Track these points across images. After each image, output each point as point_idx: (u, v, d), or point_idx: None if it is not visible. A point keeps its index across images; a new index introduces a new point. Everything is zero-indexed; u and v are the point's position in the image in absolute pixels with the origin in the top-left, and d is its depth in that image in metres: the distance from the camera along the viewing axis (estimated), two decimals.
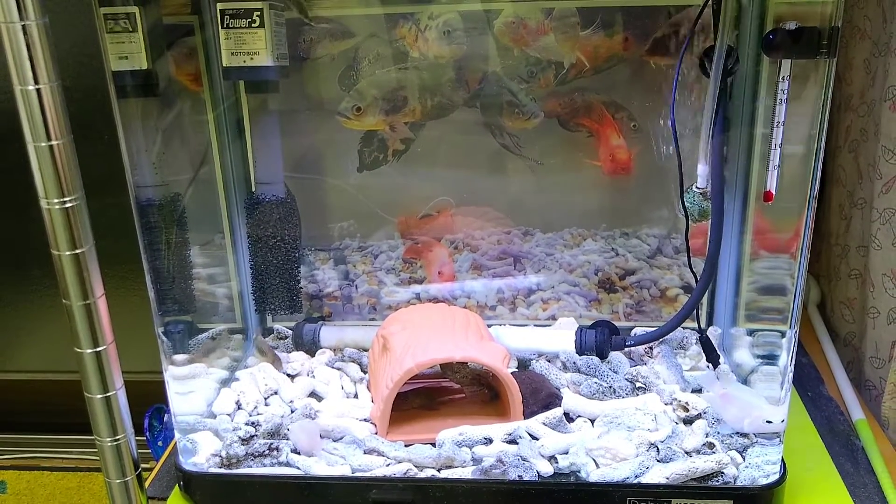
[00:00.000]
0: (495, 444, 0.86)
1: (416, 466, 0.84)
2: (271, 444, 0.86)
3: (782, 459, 0.83)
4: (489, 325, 1.04)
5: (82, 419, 0.79)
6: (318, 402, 0.96)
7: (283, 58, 0.94)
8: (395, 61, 1.02)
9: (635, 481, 0.81)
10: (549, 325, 1.09)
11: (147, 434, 1.36)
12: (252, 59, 0.90)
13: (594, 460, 0.83)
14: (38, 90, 0.66)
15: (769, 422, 0.83)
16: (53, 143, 0.68)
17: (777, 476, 0.81)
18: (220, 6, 0.89)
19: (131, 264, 0.87)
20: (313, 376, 1.01)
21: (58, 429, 1.65)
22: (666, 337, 0.99)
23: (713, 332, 1.04)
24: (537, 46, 0.98)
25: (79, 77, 1.33)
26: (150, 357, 0.90)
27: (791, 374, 0.84)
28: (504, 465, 0.82)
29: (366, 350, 1.05)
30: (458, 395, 0.97)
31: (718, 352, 1.00)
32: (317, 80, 1.04)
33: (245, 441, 0.87)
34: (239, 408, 0.95)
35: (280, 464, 0.85)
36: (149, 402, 1.38)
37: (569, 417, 0.90)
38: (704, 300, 1.05)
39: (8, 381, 1.64)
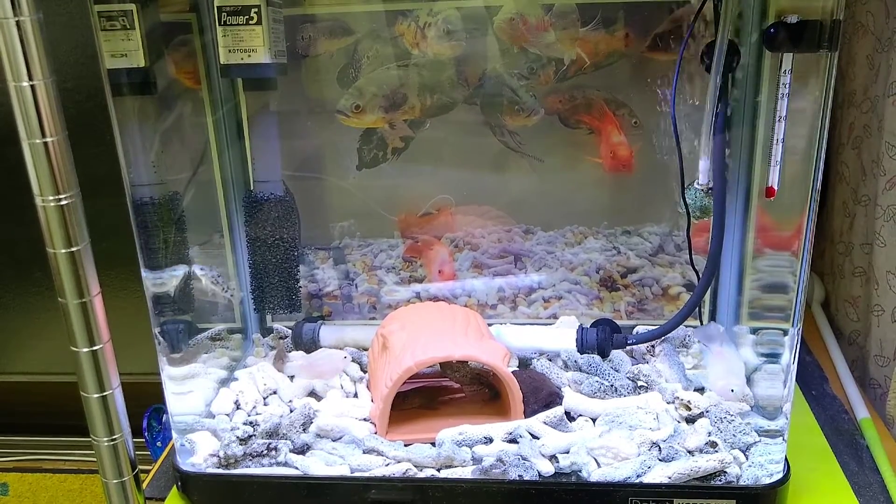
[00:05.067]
0: (495, 444, 0.85)
1: (415, 466, 0.83)
2: (270, 443, 0.85)
3: (786, 458, 0.82)
4: (490, 324, 1.03)
5: (84, 421, 0.78)
6: (317, 401, 0.95)
7: (281, 55, 0.94)
8: (395, 59, 1.01)
9: (637, 481, 0.80)
10: (551, 324, 1.08)
11: (146, 435, 1.36)
12: (250, 56, 0.90)
13: (595, 460, 0.83)
14: (32, 86, 0.66)
15: (732, 390, 0.88)
16: (48, 139, 0.67)
17: (781, 475, 0.80)
18: (217, 3, 0.88)
19: (132, 265, 0.86)
20: (304, 377, 1.00)
21: (60, 431, 1.65)
22: (668, 335, 0.98)
23: (716, 330, 1.03)
24: (537, 43, 0.97)
25: (80, 78, 1.34)
26: (152, 358, 0.89)
27: (794, 373, 0.83)
28: (504, 465, 0.81)
29: (365, 349, 1.05)
30: (457, 395, 0.96)
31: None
32: (316, 78, 1.04)
33: (243, 441, 0.86)
34: (238, 408, 0.95)
35: (278, 464, 0.85)
36: (150, 403, 1.37)
37: (570, 416, 0.90)
38: (707, 298, 1.04)
39: (10, 382, 1.64)
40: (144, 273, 0.88)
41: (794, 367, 0.83)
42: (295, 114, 1.05)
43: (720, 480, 0.79)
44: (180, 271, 0.97)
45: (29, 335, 1.59)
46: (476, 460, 0.83)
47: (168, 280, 0.94)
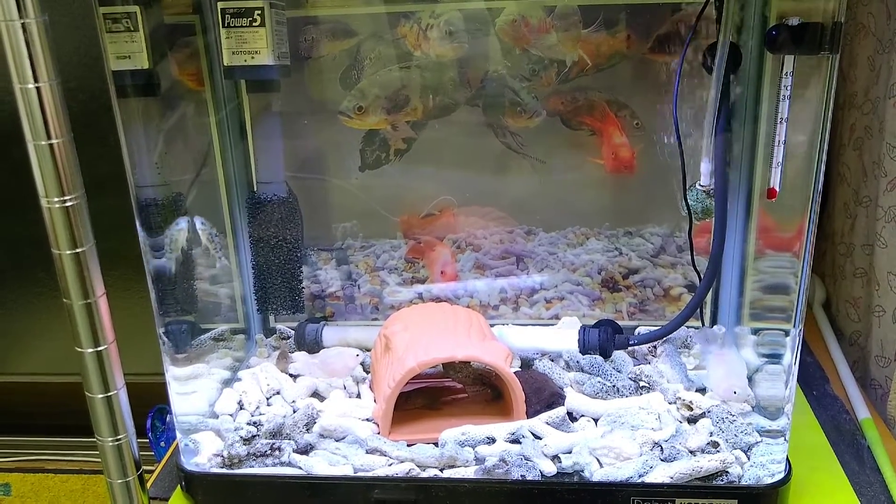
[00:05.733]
0: (498, 444, 0.85)
1: (418, 466, 0.83)
2: (273, 443, 0.86)
3: (787, 458, 0.82)
4: (492, 325, 1.03)
5: (87, 421, 0.79)
6: (320, 402, 0.96)
7: (284, 57, 0.94)
8: (397, 60, 1.01)
9: (639, 481, 0.80)
10: (553, 325, 1.08)
11: (150, 435, 1.36)
12: (253, 58, 0.90)
13: (597, 459, 0.83)
14: (37, 88, 0.66)
15: (735, 392, 0.89)
16: (53, 141, 0.68)
17: (782, 475, 0.81)
18: (220, 5, 0.89)
19: (136, 265, 0.87)
20: (316, 376, 1.01)
21: (62, 431, 1.66)
22: (670, 336, 0.99)
23: (717, 332, 1.03)
24: (539, 45, 0.98)
25: (84, 78, 1.34)
26: (155, 358, 0.90)
27: (795, 374, 0.83)
28: (507, 465, 0.82)
29: (368, 350, 1.05)
30: (460, 395, 0.97)
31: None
32: (318, 80, 1.04)
33: (247, 441, 0.87)
34: (241, 408, 0.95)
35: (282, 464, 0.85)
36: (153, 403, 1.38)
37: (572, 417, 0.90)
38: (708, 299, 1.05)
39: (12, 382, 1.64)
40: (148, 274, 0.88)
41: (796, 368, 0.83)
42: (298, 115, 1.06)
43: (722, 480, 0.80)
44: (183, 224, 0.96)
45: (31, 335, 1.60)
46: (479, 460, 0.84)
47: (172, 237, 0.94)
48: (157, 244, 0.91)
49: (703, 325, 1.01)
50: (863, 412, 1.00)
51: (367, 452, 0.86)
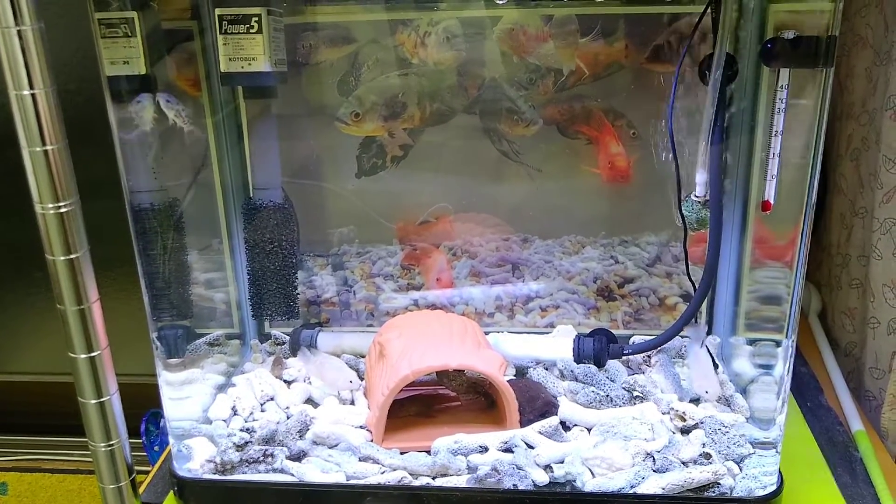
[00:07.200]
0: (491, 453, 0.85)
1: (410, 474, 0.83)
2: (266, 450, 0.86)
3: (779, 470, 0.82)
4: (487, 333, 1.03)
5: (83, 421, 0.79)
6: (314, 408, 0.96)
7: (281, 63, 0.94)
8: (395, 67, 1.02)
9: (631, 491, 0.80)
10: (548, 333, 1.08)
11: (143, 439, 1.36)
12: (250, 64, 0.90)
13: (590, 470, 0.83)
14: (33, 95, 0.66)
15: (706, 392, 0.93)
16: (48, 147, 0.68)
17: (774, 487, 0.81)
18: (218, 11, 0.89)
19: (132, 267, 0.87)
20: (310, 382, 1.01)
21: (59, 431, 1.66)
22: (664, 346, 0.99)
23: (712, 341, 1.04)
24: (537, 53, 0.98)
25: (81, 81, 1.34)
26: (150, 360, 0.90)
27: (788, 384, 0.83)
28: (499, 474, 0.81)
29: (363, 356, 1.05)
30: (454, 403, 0.97)
31: (717, 360, 0.99)
32: (316, 86, 1.04)
33: (240, 447, 0.87)
34: (235, 413, 0.95)
35: (275, 470, 0.85)
36: (147, 405, 1.38)
37: (565, 426, 0.90)
38: (703, 309, 1.05)
39: (9, 382, 1.64)
40: (142, 279, 0.88)
41: (788, 379, 0.83)
42: (295, 121, 1.06)
43: (714, 492, 0.80)
44: (145, 101, 0.92)
45: (28, 335, 1.60)
46: (471, 469, 0.84)
47: (137, 112, 0.91)
48: (151, 249, 0.91)
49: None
50: (856, 424, 1.00)
51: (359, 460, 0.86)
